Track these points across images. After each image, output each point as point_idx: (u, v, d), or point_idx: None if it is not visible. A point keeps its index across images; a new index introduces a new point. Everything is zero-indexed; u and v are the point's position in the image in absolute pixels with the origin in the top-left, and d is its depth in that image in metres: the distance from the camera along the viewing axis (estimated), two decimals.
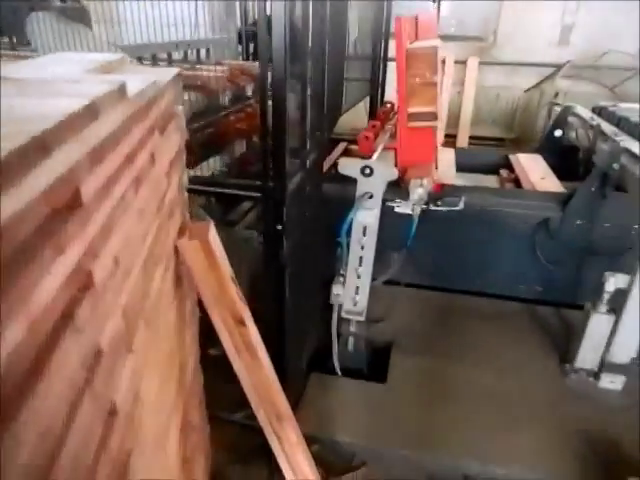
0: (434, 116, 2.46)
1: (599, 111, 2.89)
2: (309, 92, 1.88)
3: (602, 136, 2.51)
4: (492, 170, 3.53)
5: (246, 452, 2.13)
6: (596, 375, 2.23)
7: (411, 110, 2.45)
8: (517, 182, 3.19)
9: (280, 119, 1.50)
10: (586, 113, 2.92)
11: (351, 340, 2.33)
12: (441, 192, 2.58)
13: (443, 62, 5.77)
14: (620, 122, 2.57)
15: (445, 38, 5.90)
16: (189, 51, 3.28)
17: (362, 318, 2.25)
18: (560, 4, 5.36)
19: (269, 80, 1.49)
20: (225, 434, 2.10)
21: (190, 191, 1.74)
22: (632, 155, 2.17)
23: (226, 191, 1.76)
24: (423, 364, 2.41)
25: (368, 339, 2.51)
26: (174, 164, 1.20)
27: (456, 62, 5.77)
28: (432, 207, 2.55)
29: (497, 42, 5.73)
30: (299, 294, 2.06)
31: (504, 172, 3.46)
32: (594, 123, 2.63)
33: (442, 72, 5.95)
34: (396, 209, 2.44)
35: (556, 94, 5.22)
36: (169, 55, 3.04)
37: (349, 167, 1.98)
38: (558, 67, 5.23)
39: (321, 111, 2.13)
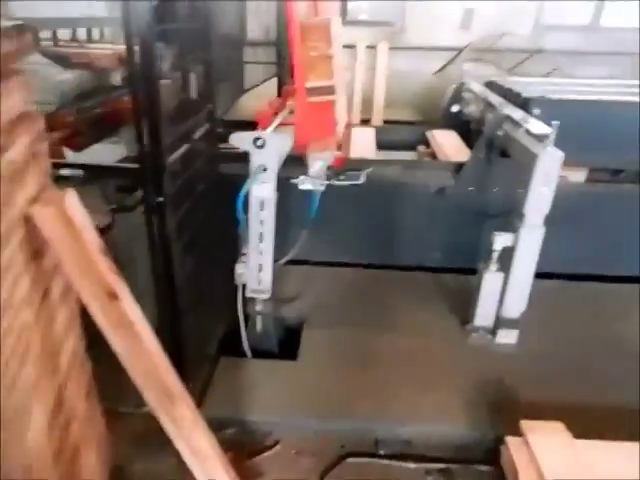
0: (332, 90, 2.46)
1: (490, 85, 3.05)
2: (192, 69, 1.83)
3: (490, 107, 2.65)
4: (411, 147, 3.63)
5: (155, 443, 2.05)
6: (493, 332, 2.36)
7: (309, 85, 2.43)
8: (434, 156, 3.30)
9: (151, 91, 1.44)
10: (478, 88, 3.07)
11: (259, 320, 2.29)
12: (343, 167, 2.60)
13: (351, 47, 5.87)
14: (506, 94, 2.72)
15: (356, 24, 6.01)
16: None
17: (267, 296, 2.22)
18: None
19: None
20: (132, 427, 2.00)
21: (67, 166, 1.63)
22: (513, 122, 2.30)
23: (101, 164, 1.66)
24: (334, 337, 2.43)
25: (279, 319, 2.50)
26: (19, 125, 1.10)
27: (368, 47, 5.89)
28: (334, 182, 2.57)
29: (405, 27, 5.89)
30: (196, 273, 2.00)
31: (421, 148, 3.57)
32: (483, 96, 2.76)
33: (357, 57, 6.00)
34: (299, 186, 2.43)
35: (461, 76, 5.45)
36: (54, 32, 2.84)
37: (241, 140, 1.94)
38: (460, 50, 5.47)
39: (210, 87, 2.08)
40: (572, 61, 5.66)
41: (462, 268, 2.88)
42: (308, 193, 2.41)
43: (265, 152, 1.95)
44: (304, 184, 2.40)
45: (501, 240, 2.16)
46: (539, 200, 2.01)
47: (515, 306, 2.27)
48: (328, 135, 2.53)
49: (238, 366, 2.27)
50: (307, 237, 2.59)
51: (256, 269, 2.17)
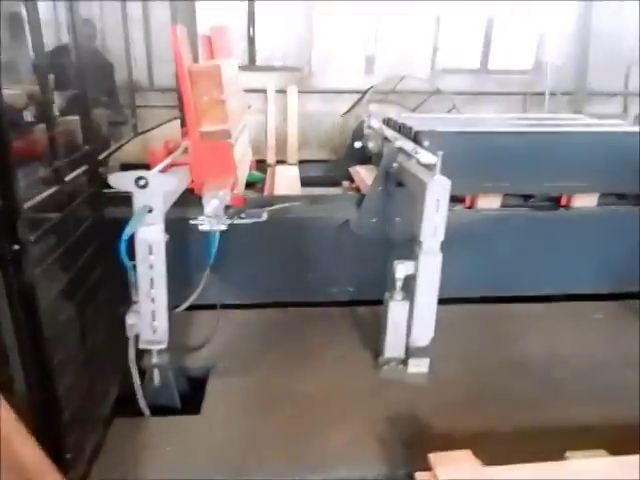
0: (227, 134, 2.45)
1: (387, 122, 3.17)
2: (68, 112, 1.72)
3: (387, 141, 2.73)
4: (336, 183, 3.64)
5: None
6: (404, 362, 2.33)
7: (204, 129, 2.41)
8: (358, 191, 3.30)
9: None
10: (377, 124, 3.18)
11: (156, 373, 2.10)
12: (245, 205, 2.55)
13: (263, 91, 5.98)
14: (400, 128, 2.83)
15: (266, 69, 6.15)
16: None
17: (164, 346, 2.05)
18: (360, 39, 5.93)
19: None
20: None
21: None
22: (406, 153, 2.37)
23: None
24: (243, 385, 2.28)
25: (182, 369, 2.32)
26: None
27: (278, 91, 6.02)
28: (236, 221, 2.50)
29: (313, 72, 6.10)
30: (77, 326, 1.81)
31: (346, 183, 3.59)
32: (380, 131, 2.85)
33: (268, 100, 6.08)
34: (200, 227, 2.33)
35: (368, 117, 5.68)
36: None
37: (121, 180, 1.82)
38: (364, 93, 5.74)
39: (89, 128, 1.97)
40: (467, 101, 6.11)
41: (375, 300, 2.88)
42: (209, 234, 2.32)
43: (149, 192, 1.83)
44: (203, 225, 2.31)
45: (402, 268, 2.17)
46: (433, 227, 2.04)
47: (423, 334, 2.26)
48: (227, 175, 2.48)
49: (134, 427, 2.05)
50: (215, 279, 2.47)
51: (149, 317, 2.00)
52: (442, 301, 2.32)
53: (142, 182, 1.81)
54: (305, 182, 3.66)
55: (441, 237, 2.09)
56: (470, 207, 2.87)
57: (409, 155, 2.33)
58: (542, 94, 6.12)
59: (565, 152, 2.71)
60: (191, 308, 2.43)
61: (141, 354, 2.09)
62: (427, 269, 2.14)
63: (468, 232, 2.78)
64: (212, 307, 2.70)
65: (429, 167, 2.08)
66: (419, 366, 2.32)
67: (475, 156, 2.63)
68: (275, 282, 2.76)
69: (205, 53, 2.87)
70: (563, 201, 2.92)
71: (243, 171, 2.87)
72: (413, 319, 2.24)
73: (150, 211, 1.85)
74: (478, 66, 6.32)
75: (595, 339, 2.66)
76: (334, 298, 2.82)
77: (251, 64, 6.14)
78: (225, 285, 2.64)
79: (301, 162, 5.96)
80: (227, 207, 2.46)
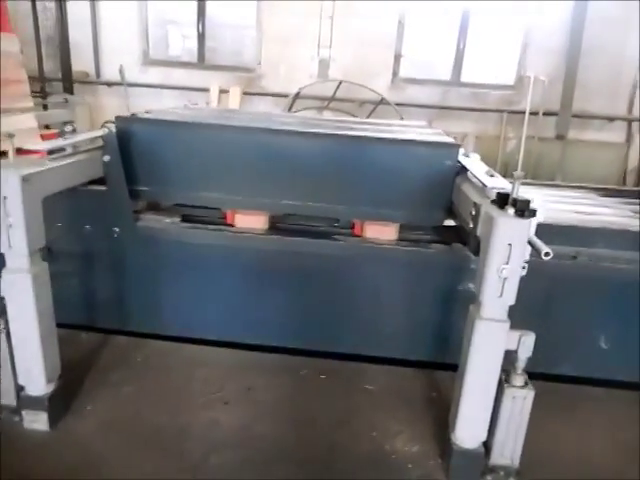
0: None
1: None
2: None
3: None
4: None
5: None
6: (18, 413, 1.74)
7: None
8: None
9: None
10: None
11: None
12: None
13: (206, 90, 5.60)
14: None
15: (212, 67, 5.80)
16: None
17: None
18: (314, 41, 5.37)
19: None
20: None
21: None
22: None
23: None
24: None
25: None
26: None
27: (223, 91, 5.62)
28: None
29: (263, 74, 5.64)
30: None
31: None
32: None
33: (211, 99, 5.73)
34: None
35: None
36: None
37: None
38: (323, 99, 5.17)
39: None
40: (434, 115, 5.31)
41: None
42: None
43: None
44: None
45: None
46: (5, 235, 1.49)
47: (32, 378, 1.68)
48: None
49: None
50: None
51: None
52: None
53: None
54: None
55: (24, 251, 1.52)
56: (231, 225, 2.24)
57: None
58: (522, 113, 5.16)
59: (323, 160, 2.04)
60: None
61: None
62: (14, 291, 1.57)
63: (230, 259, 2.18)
64: None
65: None
66: (36, 422, 1.73)
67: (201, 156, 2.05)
68: None
69: None
70: (357, 230, 2.20)
71: None
72: (14, 358, 1.66)
73: None
74: (449, 78, 5.49)
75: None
76: None
77: (200, 62, 5.80)
78: None
79: None
80: None
